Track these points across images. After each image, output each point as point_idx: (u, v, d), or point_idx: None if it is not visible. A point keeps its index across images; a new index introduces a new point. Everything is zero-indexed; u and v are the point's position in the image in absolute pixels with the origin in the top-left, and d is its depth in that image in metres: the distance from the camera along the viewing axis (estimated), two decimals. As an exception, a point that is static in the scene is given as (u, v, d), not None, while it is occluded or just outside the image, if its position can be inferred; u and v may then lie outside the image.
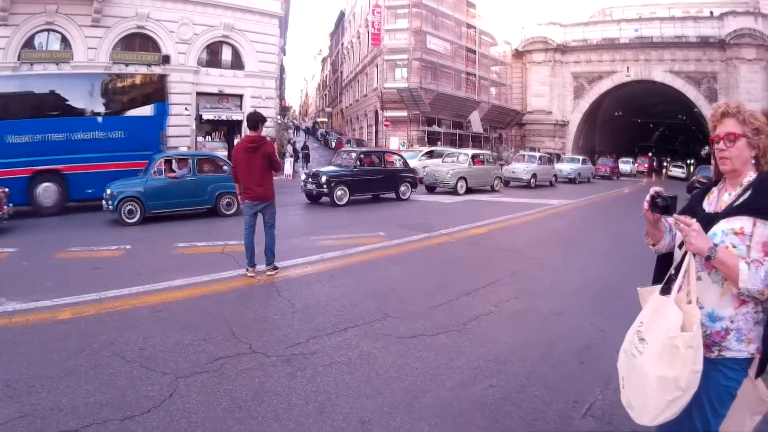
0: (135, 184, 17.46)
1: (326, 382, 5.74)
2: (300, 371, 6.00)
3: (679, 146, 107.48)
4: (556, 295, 9.58)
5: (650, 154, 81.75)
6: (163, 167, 18.13)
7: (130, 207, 16.85)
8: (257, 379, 5.80)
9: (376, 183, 24.19)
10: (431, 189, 29.57)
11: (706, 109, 57.73)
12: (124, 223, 16.53)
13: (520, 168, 36.41)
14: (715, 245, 2.87)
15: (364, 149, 29.48)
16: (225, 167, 18.97)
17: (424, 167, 32.29)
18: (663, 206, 3.14)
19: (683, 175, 63.13)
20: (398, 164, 26.47)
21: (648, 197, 3.19)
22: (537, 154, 40.24)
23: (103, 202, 17.16)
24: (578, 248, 14.32)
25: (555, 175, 39.87)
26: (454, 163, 30.83)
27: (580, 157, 47.65)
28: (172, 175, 17.98)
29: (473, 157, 31.14)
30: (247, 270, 10.27)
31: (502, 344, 6.99)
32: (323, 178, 21.73)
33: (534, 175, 35.65)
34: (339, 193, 21.91)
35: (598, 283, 10.59)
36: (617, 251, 13.77)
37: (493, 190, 31.30)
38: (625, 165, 60.92)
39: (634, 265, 10.01)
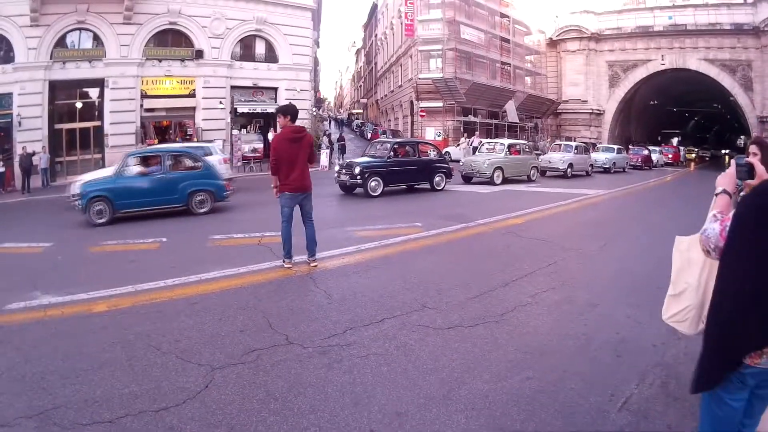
0: (104, 182, 17.06)
1: (363, 374, 5.72)
2: (336, 363, 5.98)
3: (713, 135, 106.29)
4: (593, 287, 9.47)
5: (675, 142, 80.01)
6: (134, 165, 17.80)
7: (99, 207, 16.23)
8: (293, 371, 5.79)
9: (410, 173, 23.91)
10: (468, 179, 29.20)
11: (742, 98, 57.23)
12: (93, 224, 15.95)
13: (557, 157, 35.74)
14: (724, 190, 3.32)
15: (398, 140, 29.13)
16: (199, 164, 18.57)
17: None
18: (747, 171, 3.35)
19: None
20: (432, 155, 26.23)
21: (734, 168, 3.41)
22: (573, 144, 39.45)
23: (74, 201, 17.04)
24: (614, 239, 14.15)
25: (591, 165, 38.94)
26: (491, 152, 30.61)
27: (615, 147, 46.51)
28: (143, 171, 17.54)
29: (509, 146, 30.88)
30: (284, 261, 10.25)
31: (539, 336, 6.94)
32: (357, 169, 21.64)
33: (570, 165, 34.99)
34: (373, 183, 21.77)
35: (635, 274, 10.44)
36: (652, 242, 13.53)
37: (529, 180, 30.76)
38: (652, 155, 56.83)
39: (670, 256, 9.91)
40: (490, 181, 27.87)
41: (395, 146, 24.20)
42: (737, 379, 2.89)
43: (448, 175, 25.59)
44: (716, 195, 3.30)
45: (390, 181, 22.73)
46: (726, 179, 3.31)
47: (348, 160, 23.98)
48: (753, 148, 3.75)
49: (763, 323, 2.75)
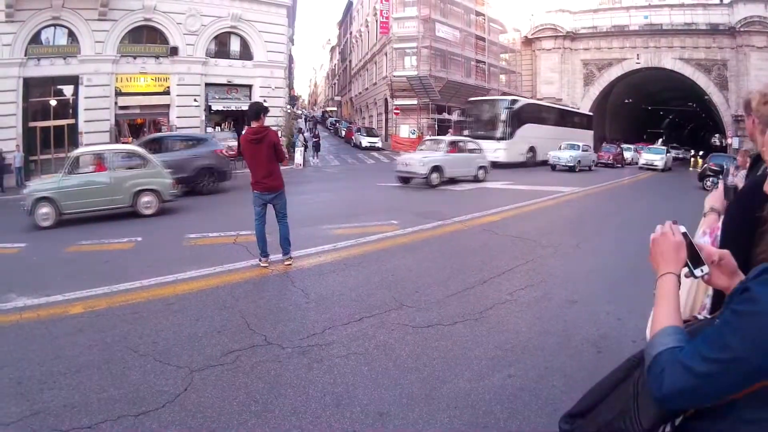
0: None
1: (343, 374, 5.69)
2: (316, 363, 5.95)
3: (688, 134, 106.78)
4: (571, 283, 9.48)
5: (660, 142, 79.46)
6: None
7: None
8: (273, 372, 5.75)
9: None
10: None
11: (717, 97, 58.00)
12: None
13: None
14: (712, 208, 3.25)
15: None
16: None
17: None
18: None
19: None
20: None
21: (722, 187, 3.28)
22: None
23: None
24: (590, 235, 14.21)
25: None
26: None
27: (581, 144, 44.46)
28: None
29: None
30: (259, 260, 10.21)
31: (519, 333, 6.93)
32: None
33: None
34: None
35: (612, 270, 10.51)
36: (629, 238, 13.62)
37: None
38: (626, 153, 55.56)
39: (647, 252, 9.92)
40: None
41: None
42: None
43: None
44: (705, 215, 3.25)
45: None
46: (715, 198, 3.27)
47: None
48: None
49: None
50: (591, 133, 55.38)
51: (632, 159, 54.49)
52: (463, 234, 14.01)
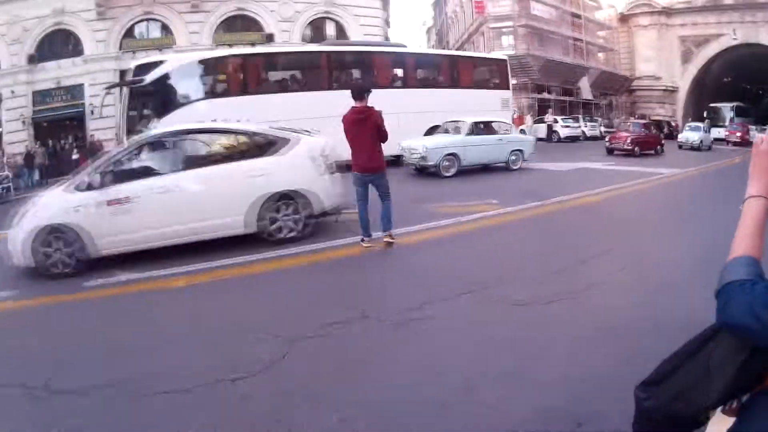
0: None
1: (437, 348, 5.72)
2: (411, 336, 6.01)
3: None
4: (669, 266, 9.23)
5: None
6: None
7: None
8: (368, 344, 5.86)
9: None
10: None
11: (822, 73, 55.13)
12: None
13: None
14: None
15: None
16: None
17: None
18: None
19: None
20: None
21: None
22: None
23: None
24: (689, 217, 13.79)
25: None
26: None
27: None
28: None
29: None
30: (362, 240, 10.13)
31: (615, 315, 6.81)
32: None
33: None
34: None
35: (712, 254, 10.14)
36: (729, 221, 13.22)
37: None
38: (693, 132, 43.59)
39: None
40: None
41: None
42: None
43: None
44: None
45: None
46: None
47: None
48: None
49: None
50: (501, 95, 34.05)
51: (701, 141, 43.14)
52: (564, 213, 13.90)
